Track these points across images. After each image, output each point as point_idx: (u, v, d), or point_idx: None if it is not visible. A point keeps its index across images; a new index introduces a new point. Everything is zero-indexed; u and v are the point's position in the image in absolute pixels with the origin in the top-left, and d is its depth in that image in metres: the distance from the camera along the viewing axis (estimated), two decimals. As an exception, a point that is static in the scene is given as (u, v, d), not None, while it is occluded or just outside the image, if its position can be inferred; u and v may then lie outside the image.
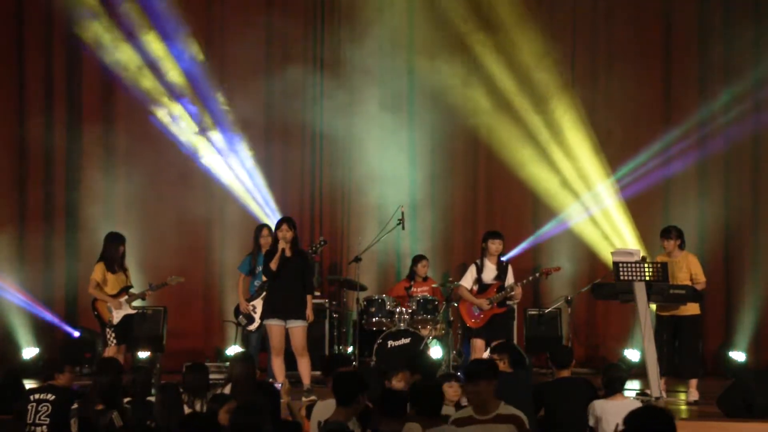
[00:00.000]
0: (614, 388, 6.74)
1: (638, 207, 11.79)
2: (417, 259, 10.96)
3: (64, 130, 11.90)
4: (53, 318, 11.40)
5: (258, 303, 9.76)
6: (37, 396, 6.75)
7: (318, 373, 9.48)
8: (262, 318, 9.39)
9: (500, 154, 12.12)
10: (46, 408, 6.68)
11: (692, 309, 9.21)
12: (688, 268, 9.29)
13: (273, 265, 8.91)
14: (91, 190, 11.90)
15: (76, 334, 11.25)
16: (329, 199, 12.17)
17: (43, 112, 11.88)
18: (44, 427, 6.63)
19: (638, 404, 6.76)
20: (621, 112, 11.95)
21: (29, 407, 6.71)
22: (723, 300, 11.79)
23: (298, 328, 8.91)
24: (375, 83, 12.00)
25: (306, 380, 8.97)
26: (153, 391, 7.05)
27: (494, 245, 9.38)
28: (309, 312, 8.94)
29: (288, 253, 8.91)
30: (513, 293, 9.41)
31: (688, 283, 9.23)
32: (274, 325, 8.94)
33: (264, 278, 9.76)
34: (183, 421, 5.17)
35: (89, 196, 11.88)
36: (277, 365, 8.99)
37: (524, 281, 9.43)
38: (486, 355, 9.33)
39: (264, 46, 12.10)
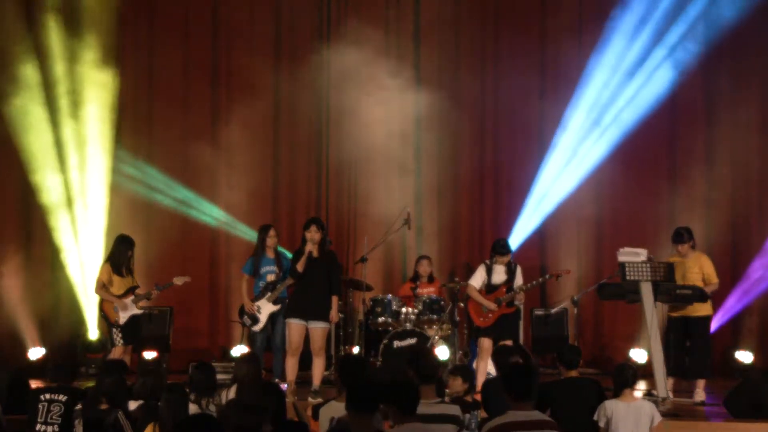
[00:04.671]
0: (625, 383, 6.70)
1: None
2: (418, 260, 10.96)
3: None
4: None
5: (263, 303, 9.74)
6: (48, 396, 6.77)
7: (327, 373, 9.53)
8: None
9: (508, 152, 12.16)
10: (58, 408, 6.70)
11: (704, 310, 9.16)
12: (701, 269, 9.23)
13: (299, 267, 8.95)
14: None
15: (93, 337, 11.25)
16: (335, 199, 12.16)
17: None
18: (55, 426, 6.65)
19: (649, 404, 6.72)
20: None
21: (40, 406, 6.73)
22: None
23: (318, 329, 8.95)
24: (382, 85, 12.02)
25: (316, 381, 8.98)
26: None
27: (503, 259, 9.39)
28: (334, 313, 8.98)
29: (315, 254, 8.95)
30: (517, 296, 9.39)
31: (700, 284, 9.18)
32: (295, 324, 8.98)
33: (269, 279, 9.78)
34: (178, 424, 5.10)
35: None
36: (291, 365, 9.00)
37: (528, 285, 9.37)
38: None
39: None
